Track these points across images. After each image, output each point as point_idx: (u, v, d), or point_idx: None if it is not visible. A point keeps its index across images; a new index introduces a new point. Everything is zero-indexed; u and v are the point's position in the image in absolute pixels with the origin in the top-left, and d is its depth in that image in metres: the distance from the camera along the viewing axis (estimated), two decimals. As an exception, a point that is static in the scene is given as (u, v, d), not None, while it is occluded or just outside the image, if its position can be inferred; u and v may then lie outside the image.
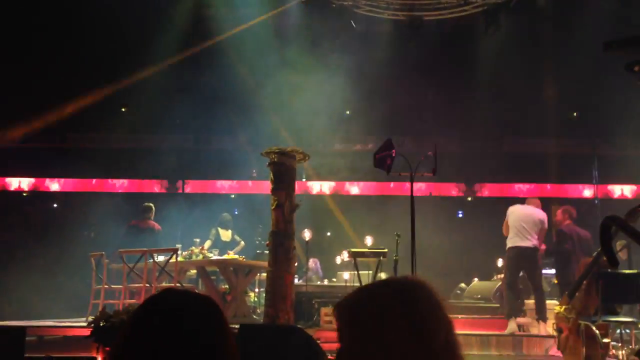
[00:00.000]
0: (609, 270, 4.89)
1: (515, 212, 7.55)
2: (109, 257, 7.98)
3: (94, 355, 5.05)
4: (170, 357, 1.30)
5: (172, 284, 7.43)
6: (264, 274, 7.45)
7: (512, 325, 7.22)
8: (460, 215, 13.01)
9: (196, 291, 1.53)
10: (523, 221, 7.42)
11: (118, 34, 10.92)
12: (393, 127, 11.68)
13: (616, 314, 5.19)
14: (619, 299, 5.06)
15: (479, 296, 9.21)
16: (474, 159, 12.40)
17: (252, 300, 8.68)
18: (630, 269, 5.66)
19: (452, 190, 13.16)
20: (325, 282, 10.05)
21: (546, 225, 7.56)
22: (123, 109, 13.08)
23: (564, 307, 5.44)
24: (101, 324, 5.49)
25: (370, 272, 8.20)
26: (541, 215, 7.54)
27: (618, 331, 5.72)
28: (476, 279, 10.05)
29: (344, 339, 1.30)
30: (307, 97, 11.39)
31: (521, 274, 7.67)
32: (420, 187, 12.18)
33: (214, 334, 1.37)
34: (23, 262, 10.93)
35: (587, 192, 12.57)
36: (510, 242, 7.46)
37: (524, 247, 7.35)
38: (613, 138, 12.00)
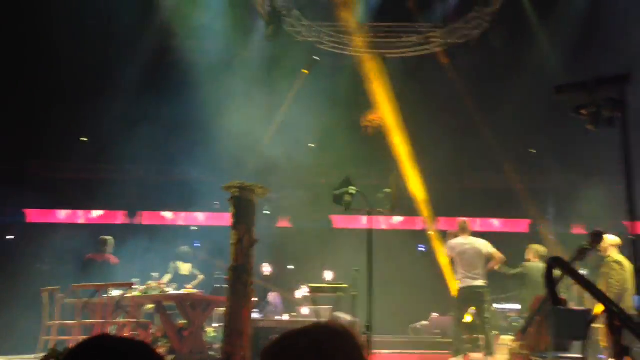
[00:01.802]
0: (560, 307, 4.98)
1: (463, 254, 7.68)
2: (63, 291, 7.78)
3: (42, 394, 4.91)
4: None
5: (128, 319, 7.28)
6: (222, 309, 7.35)
7: None
8: (422, 249, 13.11)
9: (131, 338, 1.48)
10: (471, 263, 7.60)
11: (79, 63, 10.86)
12: (356, 160, 11.81)
13: (567, 349, 5.27)
14: (569, 335, 5.14)
15: (438, 331, 9.25)
16: (435, 193, 12.57)
17: (209, 335, 8.54)
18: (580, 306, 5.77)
19: (414, 224, 13.29)
20: (286, 317, 9.97)
21: (490, 248, 7.74)
22: (83, 139, 12.92)
23: (517, 343, 5.52)
24: (50, 362, 5.35)
25: (330, 306, 8.17)
26: (481, 245, 7.71)
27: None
28: (436, 314, 10.10)
29: None
30: (271, 130, 11.46)
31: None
32: (381, 220, 12.28)
33: None
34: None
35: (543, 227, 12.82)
36: (463, 282, 7.60)
37: (475, 286, 7.54)
38: (567, 175, 12.35)
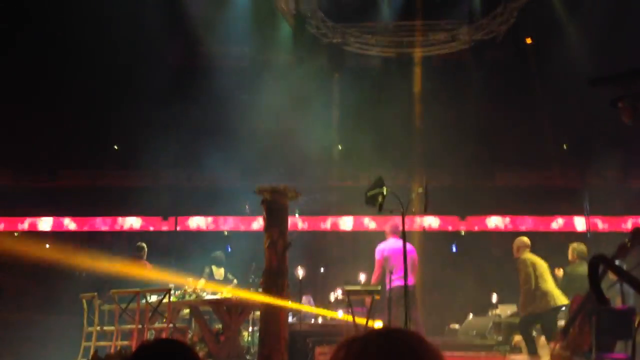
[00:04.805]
0: (604, 306, 4.88)
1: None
2: (101, 297, 7.91)
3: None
4: None
5: (165, 325, 7.36)
6: (258, 313, 7.39)
7: None
8: (454, 250, 12.99)
9: (175, 339, 2.14)
10: None
11: (109, 70, 11.02)
12: (385, 161, 11.75)
13: (611, 350, 5.16)
14: (613, 335, 5.04)
15: (475, 332, 9.14)
16: (467, 192, 12.46)
17: (246, 339, 8.59)
18: (623, 304, 5.64)
19: (446, 224, 13.18)
20: (320, 319, 9.96)
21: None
22: (115, 147, 13.11)
23: (558, 344, 5.43)
24: (93, 368, 5.44)
25: (365, 309, 8.13)
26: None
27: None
28: (471, 315, 10.00)
29: None
30: (299, 133, 11.47)
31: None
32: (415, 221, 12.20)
33: None
34: (13, 302, 10.82)
35: (579, 225, 12.57)
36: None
37: None
38: (604, 170, 12.10)
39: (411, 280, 7.31)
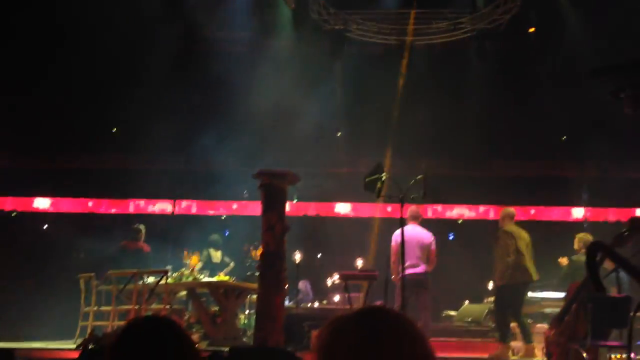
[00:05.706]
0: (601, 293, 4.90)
1: None
2: (98, 278, 7.94)
3: (83, 378, 5.01)
4: None
5: (162, 306, 7.40)
6: (255, 296, 7.43)
7: None
8: (451, 238, 13.03)
9: (164, 317, 2.05)
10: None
11: (108, 53, 10.97)
12: (383, 148, 11.75)
13: (606, 338, 5.20)
14: (608, 323, 5.07)
15: (470, 319, 9.20)
16: (464, 181, 12.47)
17: (242, 322, 8.64)
18: (619, 293, 5.68)
19: (445, 212, 13.21)
20: (316, 304, 10.03)
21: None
22: (114, 130, 13.08)
23: (553, 331, 5.47)
24: (90, 347, 5.48)
25: (361, 294, 8.19)
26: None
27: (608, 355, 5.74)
28: (467, 302, 10.06)
29: None
30: (299, 119, 11.46)
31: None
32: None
33: (178, 353, 1.70)
34: (11, 283, 10.84)
35: (577, 214, 12.62)
36: None
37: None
38: (602, 161, 12.11)
39: (422, 268, 7.33)
